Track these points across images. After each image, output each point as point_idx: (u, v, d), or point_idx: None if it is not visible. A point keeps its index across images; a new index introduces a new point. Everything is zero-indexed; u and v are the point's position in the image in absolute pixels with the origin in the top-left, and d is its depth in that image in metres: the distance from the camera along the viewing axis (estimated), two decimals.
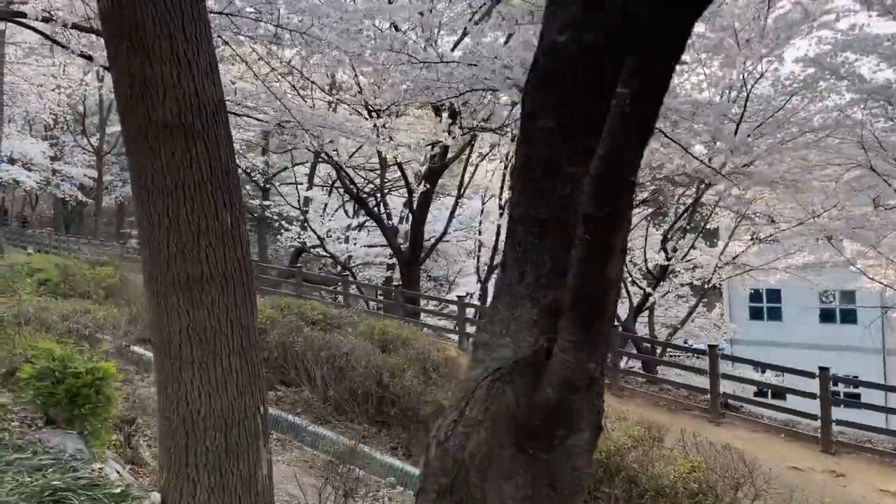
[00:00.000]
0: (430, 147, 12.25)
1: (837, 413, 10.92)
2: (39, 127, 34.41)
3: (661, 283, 19.63)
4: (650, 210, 19.56)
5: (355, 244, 25.95)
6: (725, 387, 14.13)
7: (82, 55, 7.57)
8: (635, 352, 14.86)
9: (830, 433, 10.53)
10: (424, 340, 11.81)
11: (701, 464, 7.21)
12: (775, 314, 33.21)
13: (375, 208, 20.59)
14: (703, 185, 19.32)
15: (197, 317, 3.42)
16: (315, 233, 22.40)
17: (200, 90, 3.40)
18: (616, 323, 14.14)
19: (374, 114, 12.36)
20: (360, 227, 26.94)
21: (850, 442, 10.85)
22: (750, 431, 11.80)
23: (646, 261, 19.35)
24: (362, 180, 23.38)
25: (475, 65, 5.75)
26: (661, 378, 14.11)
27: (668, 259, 18.88)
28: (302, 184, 27.95)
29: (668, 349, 17.70)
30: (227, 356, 3.49)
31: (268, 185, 27.90)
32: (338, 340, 10.27)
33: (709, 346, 12.28)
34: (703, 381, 17.27)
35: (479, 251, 27.85)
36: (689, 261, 20.51)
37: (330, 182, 27.57)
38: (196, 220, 3.39)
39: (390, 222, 21.13)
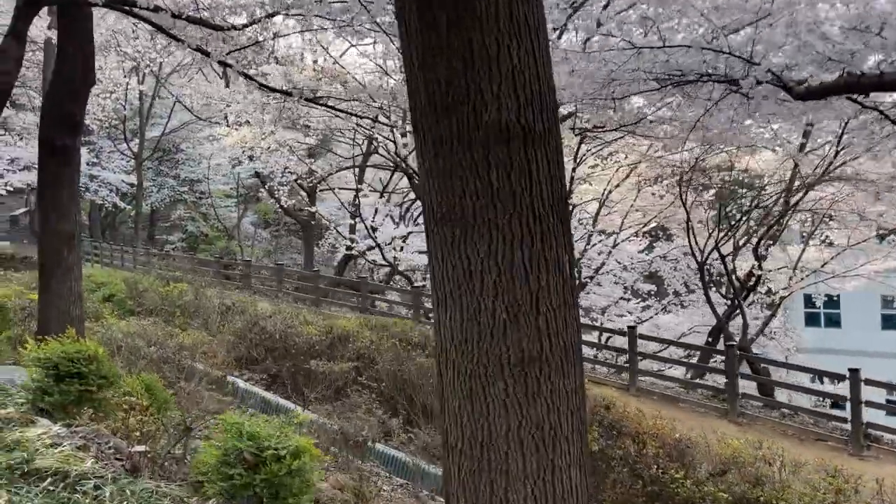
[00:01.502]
0: None
1: None
2: None
3: (750, 294, 18.35)
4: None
5: (402, 251, 24.79)
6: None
7: (198, 49, 6.56)
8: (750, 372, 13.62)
9: None
10: None
11: None
12: (833, 320, 31.85)
13: None
14: (797, 189, 18.04)
15: (532, 412, 2.30)
16: (375, 240, 21.31)
17: (542, 73, 2.28)
18: (732, 342, 12.90)
19: None
20: (406, 237, 25.53)
21: None
22: None
23: (734, 269, 18.05)
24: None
25: (719, 51, 4.60)
26: (785, 403, 12.85)
27: (760, 267, 17.59)
28: (350, 189, 26.94)
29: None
30: (568, 468, 2.37)
31: (314, 190, 26.91)
32: None
33: (850, 370, 10.99)
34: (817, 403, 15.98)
35: None
36: (779, 269, 19.22)
37: (381, 186, 26.56)
38: (535, 269, 2.27)
39: None
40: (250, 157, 23.41)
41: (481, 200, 2.24)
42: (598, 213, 23.35)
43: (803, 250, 22.08)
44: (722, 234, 16.08)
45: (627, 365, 13.35)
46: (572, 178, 21.61)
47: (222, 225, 40.29)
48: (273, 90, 7.53)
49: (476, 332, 2.30)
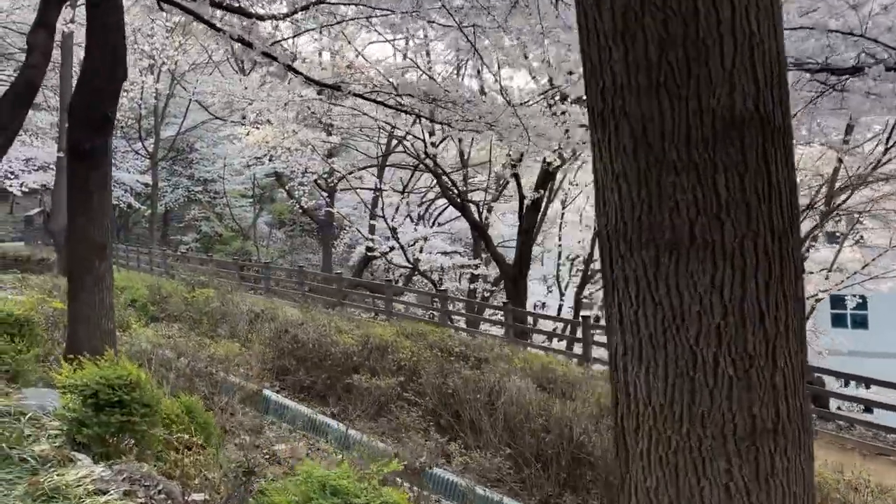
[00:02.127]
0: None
1: None
2: None
3: None
4: None
5: (422, 252, 24.10)
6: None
7: (240, 40, 6.00)
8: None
9: None
10: (581, 375, 10.09)
11: None
12: (859, 322, 31.15)
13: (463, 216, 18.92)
14: (841, 187, 17.36)
15: (763, 499, 1.72)
16: (398, 242, 20.76)
17: (780, 47, 1.71)
18: None
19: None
20: (426, 239, 24.67)
21: None
22: None
23: None
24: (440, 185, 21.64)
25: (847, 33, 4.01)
26: (841, 415, 12.19)
27: (803, 269, 16.87)
28: (369, 189, 26.43)
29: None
30: None
31: (334, 190, 26.38)
32: (500, 382, 8.59)
33: None
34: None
35: (559, 258, 25.98)
36: (820, 271, 18.55)
37: (401, 186, 25.98)
38: (773, 307, 1.69)
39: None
40: (269, 158, 22.94)
41: (703, 215, 1.66)
42: None
43: (839, 250, 21.43)
44: None
45: None
46: None
47: (237, 225, 39.86)
48: (322, 84, 6.92)
49: (688, 393, 1.72)
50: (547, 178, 15.17)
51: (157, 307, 12.69)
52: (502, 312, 15.67)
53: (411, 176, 25.47)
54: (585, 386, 9.13)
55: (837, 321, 31.69)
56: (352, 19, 6.32)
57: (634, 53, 1.68)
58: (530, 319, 16.78)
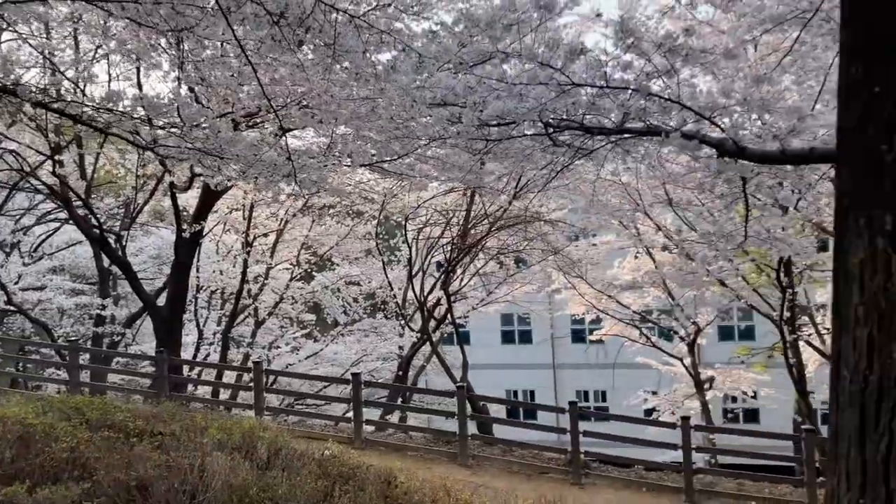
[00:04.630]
0: None
1: None
2: None
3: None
4: None
5: (41, 290, 19.37)
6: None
7: None
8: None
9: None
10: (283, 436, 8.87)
11: None
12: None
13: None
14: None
15: None
16: None
17: None
18: (463, 386, 12.81)
19: None
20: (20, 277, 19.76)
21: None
22: (616, 491, 11.39)
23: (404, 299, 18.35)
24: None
25: None
26: (501, 439, 13.15)
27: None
28: None
29: None
30: None
31: None
32: (203, 463, 6.96)
33: (570, 402, 11.65)
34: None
35: (197, 291, 23.61)
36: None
37: None
38: None
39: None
40: None
41: None
42: (275, 245, 21.78)
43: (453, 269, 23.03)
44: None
45: (352, 416, 12.28)
46: (252, 205, 19.78)
47: None
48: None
49: None
50: (205, 207, 13.47)
51: None
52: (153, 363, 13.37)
53: (7, 196, 20.49)
54: (291, 446, 8.04)
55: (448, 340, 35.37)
56: None
57: None
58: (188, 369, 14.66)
